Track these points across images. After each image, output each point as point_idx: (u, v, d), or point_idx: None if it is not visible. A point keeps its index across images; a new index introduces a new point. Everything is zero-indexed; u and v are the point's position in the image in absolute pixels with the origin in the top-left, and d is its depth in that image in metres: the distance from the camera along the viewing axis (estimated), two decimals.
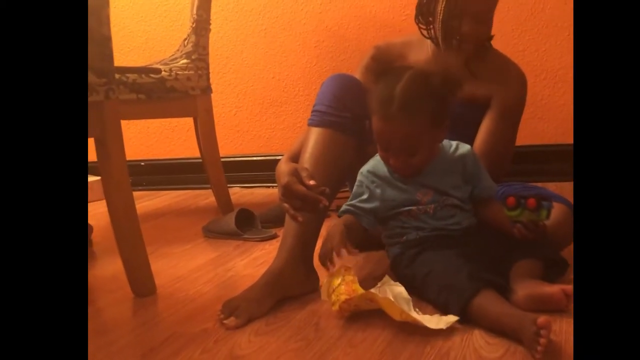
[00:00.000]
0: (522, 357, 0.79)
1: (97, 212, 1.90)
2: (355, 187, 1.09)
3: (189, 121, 1.97)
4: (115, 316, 1.10)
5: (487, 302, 0.86)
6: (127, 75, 1.60)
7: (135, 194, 1.15)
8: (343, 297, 0.92)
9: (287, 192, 1.07)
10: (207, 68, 1.77)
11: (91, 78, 1.06)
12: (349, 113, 1.15)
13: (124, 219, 1.12)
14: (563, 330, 0.84)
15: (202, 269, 1.31)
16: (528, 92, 1.30)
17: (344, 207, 1.07)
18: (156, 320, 1.05)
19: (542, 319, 0.77)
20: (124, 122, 1.14)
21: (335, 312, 0.94)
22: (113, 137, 1.10)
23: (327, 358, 0.83)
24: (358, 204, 1.06)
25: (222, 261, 1.36)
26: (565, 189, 1.38)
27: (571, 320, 0.85)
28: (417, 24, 1.27)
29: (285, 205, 1.08)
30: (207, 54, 1.77)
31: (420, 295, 0.97)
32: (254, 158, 2.26)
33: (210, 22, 1.77)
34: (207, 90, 1.77)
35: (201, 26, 1.74)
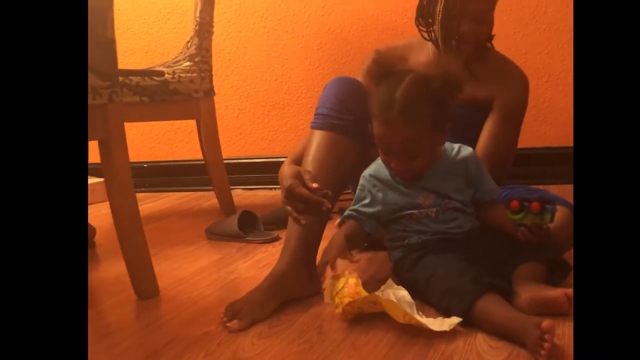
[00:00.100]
0: None
1: (100, 214, 1.90)
2: (357, 191, 1.09)
3: (191, 123, 1.98)
4: (118, 318, 1.10)
5: (490, 305, 0.86)
6: (131, 77, 1.60)
7: (138, 195, 1.16)
8: (346, 300, 0.92)
9: (290, 195, 1.07)
10: (210, 70, 1.77)
11: (95, 81, 1.06)
12: (352, 116, 1.15)
13: (127, 221, 1.12)
14: (566, 334, 0.84)
15: (205, 271, 1.31)
16: (530, 94, 1.30)
17: (346, 212, 1.07)
18: (159, 322, 1.05)
19: (546, 323, 0.77)
20: (126, 124, 1.14)
21: (339, 315, 0.94)
22: (117, 140, 1.11)
23: None
24: (360, 209, 1.06)
25: (225, 263, 1.36)
26: (567, 191, 1.38)
27: None
28: (418, 26, 1.27)
29: (288, 208, 1.08)
30: (210, 56, 1.77)
31: (423, 299, 0.98)
32: (257, 160, 2.27)
33: (213, 24, 1.78)
34: (210, 92, 1.77)
35: (204, 29, 1.74)
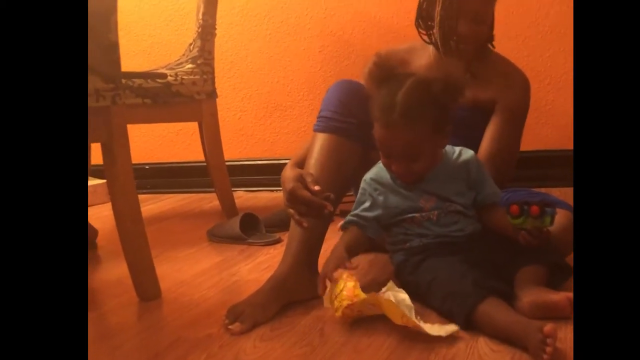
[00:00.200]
0: None
1: (102, 215, 1.91)
2: (358, 195, 1.09)
3: (193, 125, 1.98)
4: (120, 320, 1.10)
5: (492, 309, 0.86)
6: (133, 79, 1.61)
7: (140, 197, 1.16)
8: (345, 303, 0.92)
9: (293, 198, 1.08)
10: (213, 73, 1.78)
11: (98, 83, 1.07)
12: (355, 119, 1.15)
13: (130, 223, 1.12)
14: (568, 337, 0.84)
15: (207, 273, 1.31)
16: (532, 97, 1.30)
17: (348, 217, 1.08)
18: (161, 324, 1.05)
19: (548, 327, 0.77)
20: (128, 126, 1.15)
21: (339, 318, 0.94)
22: (119, 142, 1.11)
23: None
24: (361, 213, 1.06)
25: (227, 265, 1.36)
26: (569, 194, 1.37)
27: None
28: (418, 29, 1.28)
29: (291, 210, 1.09)
30: (213, 58, 1.78)
31: (425, 302, 0.98)
32: (258, 162, 2.27)
33: (216, 27, 1.78)
34: (212, 94, 1.78)
35: (207, 31, 1.75)
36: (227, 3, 2.15)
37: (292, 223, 1.09)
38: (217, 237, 1.58)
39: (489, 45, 1.30)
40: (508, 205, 0.94)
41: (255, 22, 2.20)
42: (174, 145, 2.41)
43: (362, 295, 0.93)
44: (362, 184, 1.09)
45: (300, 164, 1.17)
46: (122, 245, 1.14)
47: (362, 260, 1.26)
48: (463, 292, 0.90)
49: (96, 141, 1.11)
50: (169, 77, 1.67)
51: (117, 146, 1.10)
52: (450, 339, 0.86)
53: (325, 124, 1.17)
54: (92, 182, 2.15)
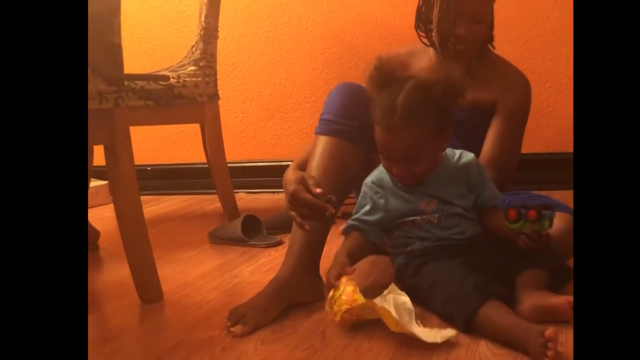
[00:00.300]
0: None
1: (104, 217, 1.91)
2: (359, 199, 1.10)
3: (195, 126, 1.98)
4: (122, 322, 1.10)
5: (493, 312, 0.86)
6: (136, 82, 1.61)
7: (142, 198, 1.16)
8: (344, 307, 0.92)
9: (294, 200, 1.08)
10: (215, 75, 1.78)
11: (101, 86, 1.07)
12: (357, 122, 1.15)
13: (132, 225, 1.13)
14: (569, 341, 0.84)
15: (209, 276, 1.31)
16: (533, 100, 1.30)
17: (349, 222, 1.08)
18: (163, 327, 1.06)
19: (549, 331, 0.77)
20: (131, 127, 1.15)
21: (338, 323, 0.95)
22: (122, 144, 1.11)
23: None
24: (362, 217, 1.06)
25: (228, 268, 1.36)
26: (570, 197, 1.38)
27: None
28: (417, 32, 1.28)
29: (292, 213, 1.09)
30: (215, 61, 1.78)
31: (426, 305, 0.98)
32: (260, 164, 2.27)
33: (218, 29, 1.78)
34: (214, 97, 1.78)
35: (209, 33, 1.75)
36: (229, 5, 2.16)
37: (294, 225, 1.10)
38: (219, 239, 1.58)
39: (489, 46, 1.30)
40: (506, 210, 0.94)
41: (257, 24, 2.21)
42: (175, 146, 2.42)
43: (361, 300, 0.93)
44: (363, 188, 1.09)
45: (303, 166, 1.17)
46: (124, 247, 1.14)
47: (364, 262, 1.26)
48: (464, 295, 0.90)
49: (99, 143, 1.12)
50: (172, 80, 1.68)
51: (119, 148, 1.11)
52: (451, 342, 0.86)
53: (327, 127, 1.17)
54: (94, 183, 2.16)
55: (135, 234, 1.13)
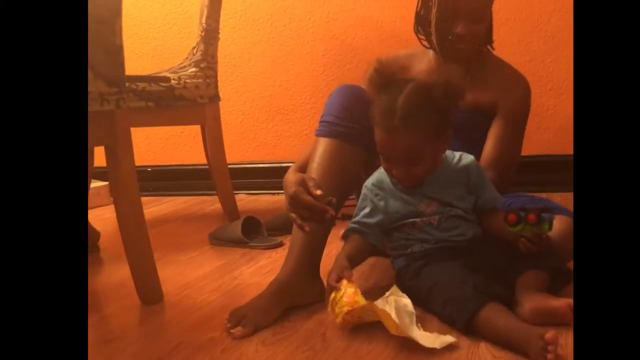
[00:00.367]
0: None
1: (104, 218, 1.92)
2: (359, 201, 1.10)
3: (195, 128, 1.99)
4: (122, 324, 1.10)
5: (493, 315, 0.87)
6: (137, 83, 1.61)
7: (142, 199, 1.16)
8: (345, 309, 0.93)
9: (295, 202, 1.08)
10: (216, 76, 1.79)
11: (102, 87, 1.07)
12: (357, 124, 1.15)
13: (133, 227, 1.13)
14: (569, 343, 0.84)
15: (209, 277, 1.31)
16: (533, 102, 1.31)
17: (349, 225, 1.08)
18: (164, 328, 1.06)
19: (549, 334, 0.77)
20: (131, 128, 1.15)
21: (339, 324, 0.95)
22: (123, 146, 1.12)
23: None
24: (362, 220, 1.07)
25: (229, 269, 1.36)
26: (570, 199, 1.38)
27: None
28: (417, 35, 1.29)
29: (293, 215, 1.09)
30: (216, 62, 1.78)
31: (426, 307, 0.98)
32: (260, 165, 2.27)
33: (219, 30, 1.79)
34: (215, 98, 1.78)
35: (210, 35, 1.75)
36: (230, 7, 2.16)
37: (294, 227, 1.10)
38: (219, 241, 1.58)
39: (489, 47, 1.31)
40: (505, 213, 0.94)
41: (258, 25, 2.21)
42: (176, 147, 2.42)
43: (362, 302, 0.93)
44: (363, 190, 1.09)
45: (303, 168, 1.17)
46: (124, 248, 1.14)
47: (364, 264, 1.26)
48: (463, 297, 0.90)
49: (100, 144, 1.12)
50: (172, 81, 1.68)
51: (120, 150, 1.11)
52: (452, 345, 0.86)
53: (327, 129, 1.17)
54: (95, 184, 2.16)
55: (135, 235, 1.13)
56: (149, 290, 1.16)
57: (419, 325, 0.91)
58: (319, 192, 1.06)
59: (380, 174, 1.08)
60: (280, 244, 1.51)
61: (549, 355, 0.76)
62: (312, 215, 1.06)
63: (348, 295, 0.94)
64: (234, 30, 2.22)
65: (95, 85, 1.05)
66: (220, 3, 1.78)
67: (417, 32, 1.29)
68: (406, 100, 0.96)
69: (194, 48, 1.78)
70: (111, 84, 1.09)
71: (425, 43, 1.28)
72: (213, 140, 1.80)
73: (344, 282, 0.97)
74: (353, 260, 1.03)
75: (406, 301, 0.95)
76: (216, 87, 1.79)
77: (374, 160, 1.11)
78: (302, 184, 1.09)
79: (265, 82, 2.24)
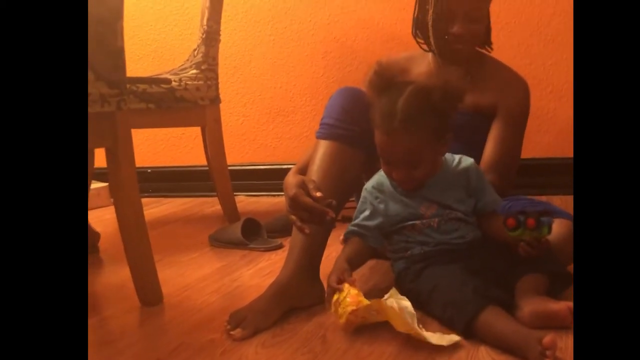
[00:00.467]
0: None
1: (105, 219, 1.92)
2: (359, 204, 1.10)
3: (196, 129, 1.99)
4: (122, 325, 1.10)
5: (493, 318, 0.87)
6: (138, 85, 1.61)
7: (142, 200, 1.16)
8: (349, 309, 0.92)
9: (294, 204, 1.08)
10: (216, 78, 1.79)
11: (103, 89, 1.07)
12: (357, 126, 1.16)
13: (133, 228, 1.13)
14: (569, 347, 0.84)
15: (209, 279, 1.31)
16: (533, 105, 1.31)
17: (349, 228, 1.08)
18: (164, 329, 1.06)
19: (547, 338, 0.77)
20: (132, 130, 1.15)
21: (343, 325, 0.95)
22: (124, 147, 1.12)
23: None
24: (362, 223, 1.07)
25: (229, 271, 1.37)
26: (570, 202, 1.38)
27: None
28: (415, 39, 1.29)
29: (293, 217, 1.09)
30: (217, 64, 1.79)
31: (426, 310, 0.98)
32: (260, 167, 2.28)
33: (220, 32, 1.79)
34: (215, 100, 1.79)
35: (211, 37, 1.76)
36: (231, 9, 2.17)
37: (294, 229, 1.10)
38: (219, 242, 1.58)
39: (487, 49, 1.31)
40: (504, 218, 0.94)
41: (259, 27, 2.22)
42: (176, 149, 2.42)
43: (366, 302, 0.93)
44: (363, 193, 1.09)
45: (303, 170, 1.18)
46: (125, 250, 1.14)
47: (363, 267, 1.27)
48: (463, 300, 0.90)
49: (101, 146, 1.12)
50: (173, 83, 1.68)
51: (121, 151, 1.11)
52: (452, 347, 0.86)
53: (327, 131, 1.18)
54: (95, 185, 2.16)
55: (135, 236, 1.13)
56: (149, 291, 1.16)
57: (421, 326, 0.91)
58: (319, 194, 1.06)
59: (380, 176, 1.09)
60: (280, 246, 1.51)
61: None
62: (312, 218, 1.07)
63: (351, 295, 0.94)
64: (235, 32, 2.23)
65: (96, 87, 1.06)
66: (222, 5, 1.78)
67: (415, 36, 1.29)
68: (406, 103, 0.97)
69: (194, 50, 1.78)
70: (112, 86, 1.09)
71: (425, 47, 1.28)
72: (213, 142, 1.80)
73: (346, 284, 0.97)
74: (353, 262, 1.04)
75: (406, 303, 0.95)
76: (217, 88, 1.79)
77: (374, 162, 1.12)
78: (302, 186, 1.09)
79: (265, 84, 2.24)
